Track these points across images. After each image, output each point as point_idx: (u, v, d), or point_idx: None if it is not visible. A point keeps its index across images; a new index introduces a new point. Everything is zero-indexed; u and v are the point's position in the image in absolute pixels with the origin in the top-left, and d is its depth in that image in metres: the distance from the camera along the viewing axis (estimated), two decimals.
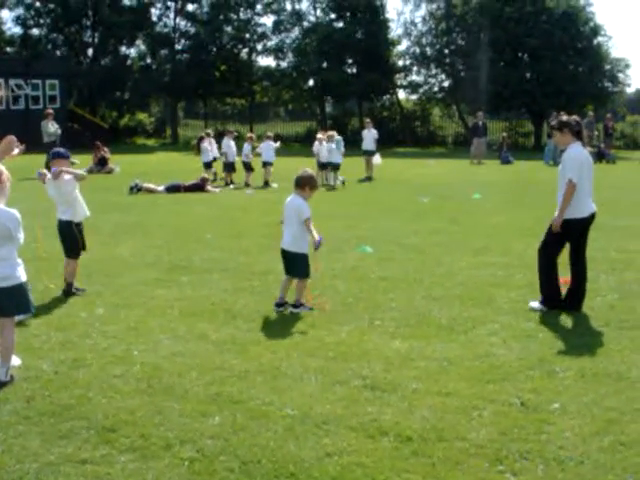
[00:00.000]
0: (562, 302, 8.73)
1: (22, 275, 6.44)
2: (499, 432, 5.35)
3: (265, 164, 24.71)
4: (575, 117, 8.85)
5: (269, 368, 6.73)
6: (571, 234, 8.70)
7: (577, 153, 8.57)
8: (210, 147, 26.34)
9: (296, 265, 8.88)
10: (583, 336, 7.68)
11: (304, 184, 8.90)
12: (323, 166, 25.05)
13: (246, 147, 25.22)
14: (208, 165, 25.91)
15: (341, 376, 6.50)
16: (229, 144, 25.51)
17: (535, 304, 8.81)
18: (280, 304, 8.81)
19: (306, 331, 7.87)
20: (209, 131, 29.67)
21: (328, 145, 25.05)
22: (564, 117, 8.91)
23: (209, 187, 22.86)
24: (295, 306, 8.77)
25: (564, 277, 9.99)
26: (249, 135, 27.37)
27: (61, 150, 9.95)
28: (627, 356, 7.02)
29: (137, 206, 18.67)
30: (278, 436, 5.31)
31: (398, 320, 8.31)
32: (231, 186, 24.35)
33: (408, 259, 11.12)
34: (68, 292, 9.52)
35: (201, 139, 27.20)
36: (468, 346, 7.36)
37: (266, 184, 24.35)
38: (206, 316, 8.49)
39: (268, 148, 24.96)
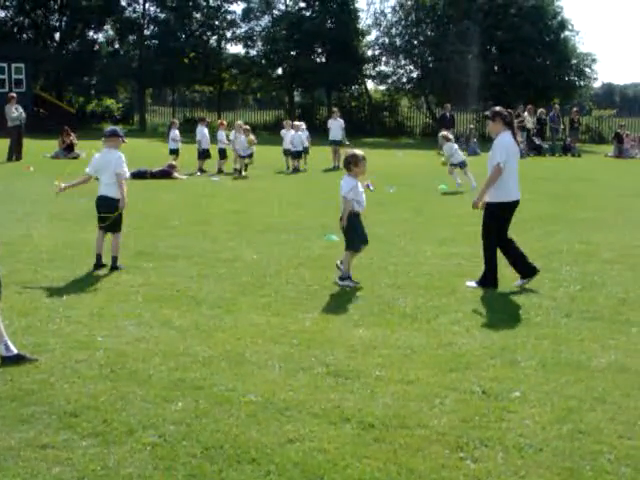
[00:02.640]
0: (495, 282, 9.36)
1: None
2: (460, 419, 5.40)
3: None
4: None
5: (233, 354, 6.74)
6: (504, 215, 9.30)
7: (507, 141, 9.15)
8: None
9: (346, 238, 9.57)
10: (545, 326, 7.77)
11: (346, 164, 9.58)
12: (289, 152, 25.33)
13: (220, 134, 25.17)
14: (175, 152, 25.74)
15: (305, 363, 6.52)
16: (203, 132, 25.39)
17: (472, 283, 9.42)
18: (342, 277, 9.43)
19: (271, 318, 7.89)
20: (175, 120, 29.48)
21: (296, 134, 25.20)
22: (497, 107, 9.61)
23: (176, 174, 22.76)
24: (342, 278, 9.39)
25: None
26: (221, 122, 27.32)
27: (116, 129, 10.73)
28: (587, 346, 7.11)
29: None
30: (241, 422, 5.32)
31: (362, 308, 8.35)
32: (198, 173, 24.21)
33: (374, 248, 11.14)
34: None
35: (171, 125, 26.99)
36: (431, 335, 7.41)
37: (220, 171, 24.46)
38: (171, 302, 8.47)
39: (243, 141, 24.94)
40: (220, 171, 24.45)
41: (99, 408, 5.50)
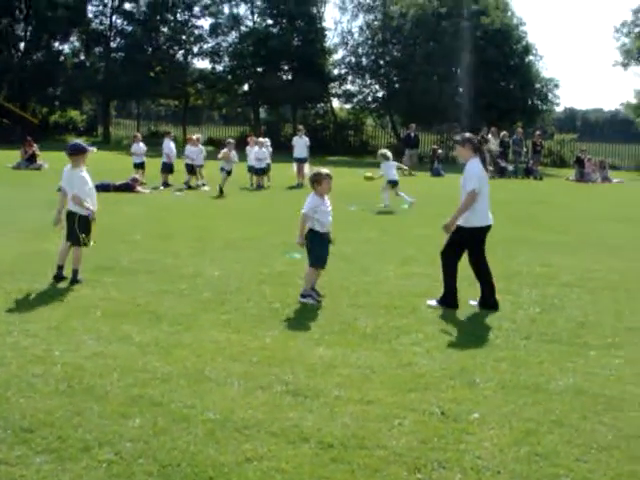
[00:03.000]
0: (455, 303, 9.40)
1: None
2: (419, 441, 5.40)
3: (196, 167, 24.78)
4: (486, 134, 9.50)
5: (192, 371, 6.69)
6: (475, 240, 9.41)
7: (477, 168, 9.24)
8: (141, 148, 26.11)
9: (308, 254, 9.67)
10: (504, 348, 7.80)
11: (311, 183, 9.71)
12: (252, 169, 25.43)
13: (188, 149, 25.12)
14: (139, 166, 25.62)
15: (264, 381, 6.49)
16: (170, 146, 25.30)
17: (432, 302, 9.43)
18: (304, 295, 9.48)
19: (231, 335, 7.84)
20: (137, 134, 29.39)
21: (260, 151, 25.29)
22: (467, 134, 9.78)
23: (139, 187, 22.65)
24: (303, 296, 9.43)
25: None
26: (189, 137, 27.31)
27: (78, 143, 10.64)
28: (546, 368, 7.16)
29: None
30: (198, 440, 5.28)
31: (323, 327, 8.34)
32: (161, 187, 24.11)
33: (336, 267, 11.15)
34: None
35: (134, 139, 26.90)
36: (392, 355, 7.41)
37: (197, 186, 24.36)
38: (130, 317, 8.40)
39: (199, 152, 25.02)
40: (189, 187, 24.35)
41: (55, 424, 5.43)
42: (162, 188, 23.95)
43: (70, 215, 10.20)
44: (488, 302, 9.39)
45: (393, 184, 20.95)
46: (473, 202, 9.14)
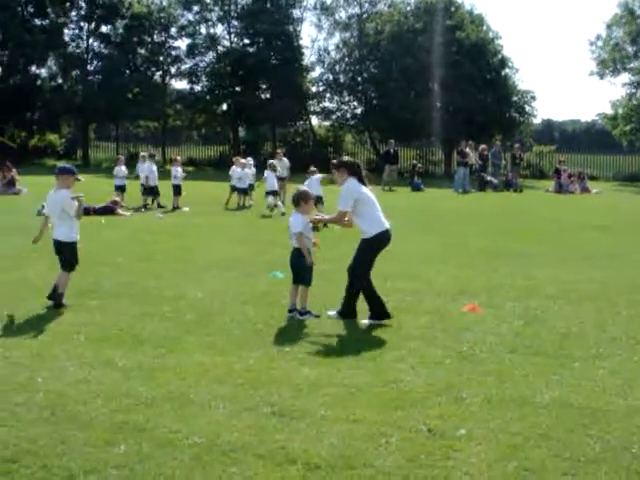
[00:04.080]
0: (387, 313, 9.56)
1: None
2: (406, 458, 5.38)
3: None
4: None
5: (177, 395, 6.65)
6: (379, 246, 9.69)
7: (351, 186, 9.58)
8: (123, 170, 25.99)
9: (299, 274, 9.70)
10: (489, 362, 7.80)
11: (296, 200, 9.78)
12: (235, 189, 25.39)
13: (175, 170, 25.04)
14: (120, 188, 25.47)
15: (249, 403, 6.46)
16: (152, 168, 25.22)
17: (366, 321, 9.47)
18: (291, 310, 9.66)
19: (215, 357, 7.80)
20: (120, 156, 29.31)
21: (243, 171, 25.34)
22: (345, 157, 10.39)
23: (119, 210, 22.57)
24: (301, 313, 9.57)
25: (472, 304, 10.21)
26: (175, 157, 27.26)
27: (67, 166, 10.64)
28: (531, 382, 7.16)
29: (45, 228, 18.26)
30: (184, 465, 5.24)
31: (307, 346, 8.31)
32: (142, 210, 24.04)
33: (316, 285, 11.13)
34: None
35: (117, 162, 26.76)
36: (376, 372, 7.40)
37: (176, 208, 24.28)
38: (113, 342, 8.34)
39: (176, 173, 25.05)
40: (176, 207, 24.26)
41: (38, 453, 5.37)
42: (143, 210, 23.85)
43: (63, 245, 10.27)
44: (381, 312, 9.54)
45: (274, 194, 23.43)
46: (342, 219, 9.82)
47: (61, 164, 10.87)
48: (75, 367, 7.41)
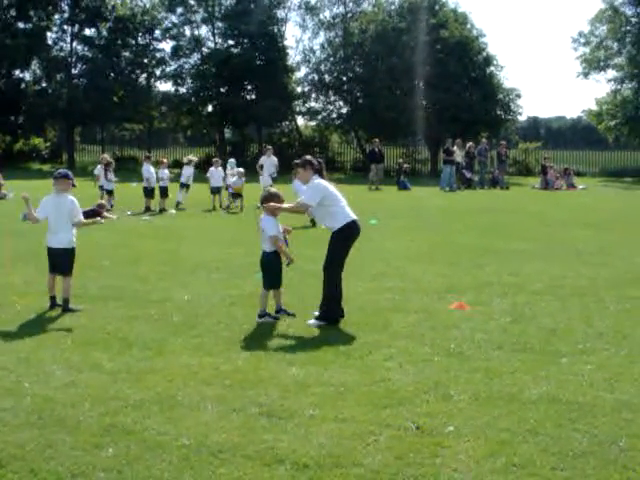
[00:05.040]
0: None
1: None
2: (395, 457, 5.38)
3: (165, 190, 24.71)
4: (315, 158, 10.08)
5: (165, 397, 6.63)
6: (352, 238, 9.62)
7: (318, 183, 9.67)
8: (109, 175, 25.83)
9: (270, 276, 9.67)
10: (477, 359, 7.82)
11: (266, 201, 9.76)
12: (217, 190, 25.40)
13: (162, 172, 24.96)
14: (109, 192, 25.29)
15: (237, 404, 6.45)
16: (149, 169, 25.12)
17: (313, 322, 9.39)
18: (261, 315, 9.52)
19: (203, 359, 7.79)
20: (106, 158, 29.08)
21: (217, 170, 25.55)
22: (308, 156, 10.24)
23: (106, 213, 22.48)
24: (260, 315, 9.49)
25: (460, 301, 10.23)
26: (161, 160, 27.13)
27: (68, 171, 10.58)
28: (519, 378, 7.18)
29: (31, 233, 18.19)
30: (173, 467, 5.23)
31: (295, 346, 8.32)
32: (145, 214, 23.82)
33: (305, 285, 11.15)
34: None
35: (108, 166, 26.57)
36: (365, 371, 7.40)
37: (162, 210, 24.19)
38: (100, 345, 8.31)
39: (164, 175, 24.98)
40: (163, 210, 24.17)
41: (26, 457, 5.35)
42: (146, 214, 23.54)
43: (67, 251, 10.17)
44: (328, 314, 9.49)
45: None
46: (302, 210, 10.04)
47: (62, 169, 10.84)
48: (62, 371, 7.38)
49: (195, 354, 7.99)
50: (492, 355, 7.98)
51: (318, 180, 9.72)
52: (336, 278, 9.52)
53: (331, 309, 9.46)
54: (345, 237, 9.54)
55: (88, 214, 21.73)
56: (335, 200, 9.63)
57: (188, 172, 26.19)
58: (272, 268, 9.66)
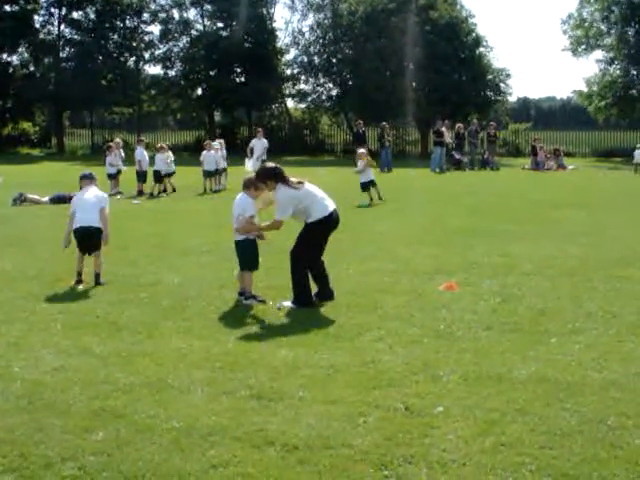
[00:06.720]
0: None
1: None
2: (384, 437, 5.41)
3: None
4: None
5: (155, 380, 6.64)
6: (327, 230, 9.58)
7: (286, 194, 9.34)
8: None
9: (246, 258, 9.60)
10: (467, 340, 7.85)
11: (249, 185, 9.54)
12: (209, 173, 25.21)
13: (158, 157, 24.75)
14: (112, 177, 25.03)
15: (227, 386, 6.46)
16: (143, 153, 24.97)
17: (287, 303, 9.36)
18: (240, 293, 9.55)
19: (193, 342, 7.80)
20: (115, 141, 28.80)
21: (216, 154, 25.20)
22: (262, 168, 9.86)
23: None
24: (241, 294, 9.51)
25: (449, 282, 10.25)
26: (160, 145, 26.67)
27: (86, 172, 11.57)
28: (508, 358, 7.21)
29: (21, 217, 18.20)
30: (163, 449, 5.24)
31: (285, 328, 8.34)
32: (137, 201, 23.67)
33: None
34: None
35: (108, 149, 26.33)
36: (354, 353, 7.42)
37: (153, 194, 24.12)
38: (90, 329, 8.31)
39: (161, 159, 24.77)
40: (153, 194, 24.07)
41: (16, 441, 5.35)
42: (138, 200, 23.33)
43: (94, 230, 10.81)
44: (326, 294, 9.60)
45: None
46: (278, 227, 9.49)
47: (85, 171, 11.74)
48: (52, 355, 7.38)
49: (185, 337, 7.99)
50: (481, 335, 8.01)
51: (282, 189, 9.36)
52: (304, 266, 9.50)
53: (301, 293, 9.41)
54: (322, 230, 9.49)
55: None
56: (310, 196, 9.45)
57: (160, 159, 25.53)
58: (247, 251, 9.60)
